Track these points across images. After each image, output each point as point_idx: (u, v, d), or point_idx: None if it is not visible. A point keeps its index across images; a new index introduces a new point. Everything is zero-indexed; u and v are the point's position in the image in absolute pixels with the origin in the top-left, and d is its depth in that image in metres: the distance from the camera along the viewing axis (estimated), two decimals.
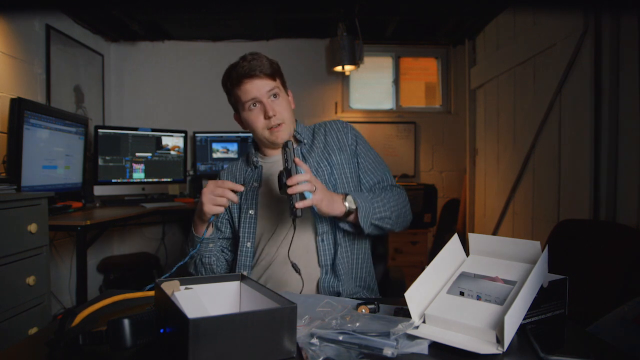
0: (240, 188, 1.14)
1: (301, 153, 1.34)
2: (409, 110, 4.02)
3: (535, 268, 0.75)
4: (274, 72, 1.27)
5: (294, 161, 1.08)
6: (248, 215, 1.30)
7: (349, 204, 1.17)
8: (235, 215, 1.33)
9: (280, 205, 1.27)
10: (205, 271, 1.30)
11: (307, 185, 1.07)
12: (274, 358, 0.68)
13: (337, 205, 1.15)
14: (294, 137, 1.36)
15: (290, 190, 1.05)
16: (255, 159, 1.36)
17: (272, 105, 1.25)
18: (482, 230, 3.46)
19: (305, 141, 1.35)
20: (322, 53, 3.80)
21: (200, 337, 0.62)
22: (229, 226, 1.36)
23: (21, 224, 1.72)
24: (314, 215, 1.24)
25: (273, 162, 1.35)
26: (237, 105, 1.30)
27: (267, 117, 1.25)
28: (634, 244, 1.79)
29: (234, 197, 1.14)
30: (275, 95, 1.27)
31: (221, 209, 1.14)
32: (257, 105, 1.26)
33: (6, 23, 2.45)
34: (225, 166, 3.57)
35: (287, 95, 1.34)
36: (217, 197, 1.13)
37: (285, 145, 1.09)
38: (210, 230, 1.23)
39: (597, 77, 2.15)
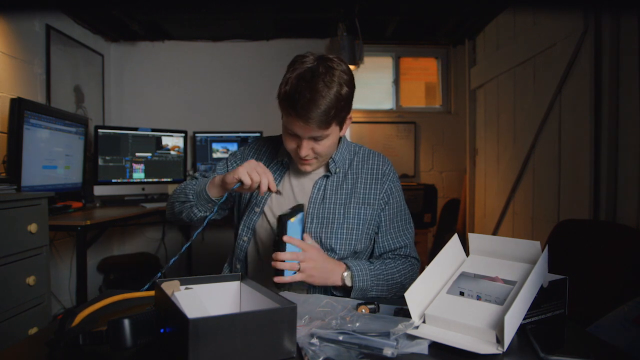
0: (274, 189, 1.09)
1: (323, 184, 1.25)
2: (409, 110, 4.02)
3: (535, 268, 0.75)
4: (330, 120, 1.10)
5: (282, 239, 1.02)
6: (253, 212, 1.28)
7: (347, 280, 1.12)
8: (242, 207, 1.32)
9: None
10: (183, 216, 1.23)
11: (289, 265, 1.03)
12: (274, 358, 0.68)
13: (334, 279, 1.11)
14: (327, 164, 1.26)
15: (273, 265, 1.02)
16: (286, 159, 1.29)
17: (309, 146, 1.14)
18: (482, 230, 3.46)
19: (338, 170, 1.26)
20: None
21: (200, 337, 0.62)
22: (229, 210, 1.35)
23: (21, 224, 1.72)
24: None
25: (301, 172, 1.29)
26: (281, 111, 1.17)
27: (297, 152, 1.17)
28: (634, 244, 1.79)
29: (264, 186, 1.07)
30: (318, 138, 1.14)
31: (249, 182, 1.06)
32: (295, 136, 1.15)
33: (6, 23, 2.44)
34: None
35: (340, 129, 1.19)
36: (254, 172, 1.07)
37: (279, 219, 1.02)
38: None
39: (597, 77, 2.15)
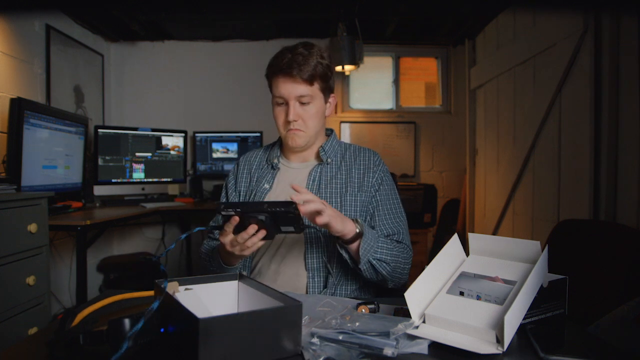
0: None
1: (318, 174, 1.28)
2: (409, 110, 4.02)
3: (535, 268, 0.75)
4: (314, 77, 1.21)
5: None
6: None
7: (359, 227, 1.12)
8: None
9: None
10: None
11: (318, 205, 1.01)
12: (280, 356, 0.68)
13: (349, 224, 1.11)
14: (317, 153, 1.31)
15: (303, 209, 0.99)
16: (275, 161, 1.34)
17: (297, 111, 1.22)
18: (482, 230, 3.46)
19: (330, 160, 1.30)
20: None
21: (209, 337, 0.62)
22: None
23: (21, 224, 1.72)
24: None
25: (293, 168, 1.33)
26: (271, 92, 1.27)
27: (287, 120, 1.23)
28: (634, 244, 1.79)
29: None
30: (304, 103, 1.22)
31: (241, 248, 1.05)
32: (284, 103, 1.23)
33: (6, 23, 2.44)
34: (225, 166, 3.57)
35: (324, 102, 1.28)
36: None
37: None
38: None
39: (597, 77, 2.15)
